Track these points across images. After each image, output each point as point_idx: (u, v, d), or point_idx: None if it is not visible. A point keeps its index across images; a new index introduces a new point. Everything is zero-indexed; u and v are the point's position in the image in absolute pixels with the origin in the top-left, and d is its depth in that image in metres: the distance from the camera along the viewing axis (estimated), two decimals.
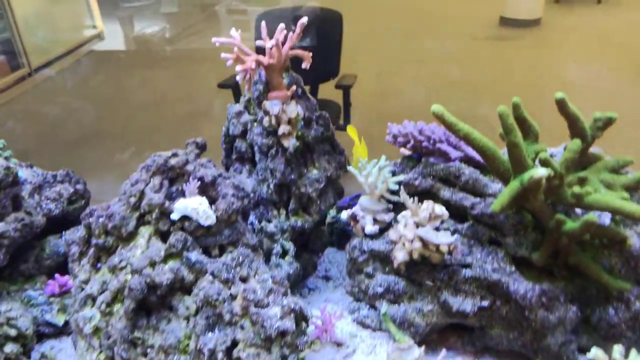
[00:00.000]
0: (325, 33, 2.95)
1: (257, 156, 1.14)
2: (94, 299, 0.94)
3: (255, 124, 1.15)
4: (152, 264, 0.90)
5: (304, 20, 1.06)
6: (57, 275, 1.10)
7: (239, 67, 1.03)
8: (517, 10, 5.88)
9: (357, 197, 1.36)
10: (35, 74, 4.93)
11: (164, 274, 0.88)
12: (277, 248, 1.11)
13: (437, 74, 4.63)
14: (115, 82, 4.96)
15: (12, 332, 0.93)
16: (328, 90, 2.88)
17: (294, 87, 1.12)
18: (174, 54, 5.68)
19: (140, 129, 3.94)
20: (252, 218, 1.15)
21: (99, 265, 0.98)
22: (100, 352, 0.92)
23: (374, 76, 4.48)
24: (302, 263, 1.15)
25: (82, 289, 0.97)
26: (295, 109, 1.10)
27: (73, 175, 1.26)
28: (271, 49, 1.03)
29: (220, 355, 0.83)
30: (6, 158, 1.13)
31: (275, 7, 3.05)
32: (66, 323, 1.07)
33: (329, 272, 1.23)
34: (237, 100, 2.95)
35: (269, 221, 1.13)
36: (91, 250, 0.97)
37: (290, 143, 1.10)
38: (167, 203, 0.95)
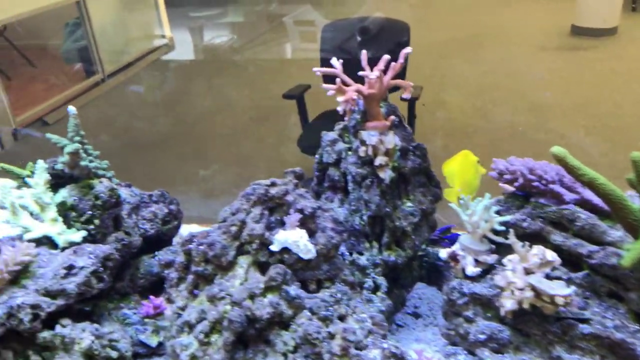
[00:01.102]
0: (393, 44, 2.92)
1: (351, 186, 1.12)
2: (190, 327, 0.94)
3: (349, 152, 1.13)
4: (252, 297, 0.89)
5: (409, 49, 1.03)
6: (151, 297, 1.12)
7: (341, 98, 1.02)
8: (591, 18, 5.49)
9: (447, 230, 1.31)
10: (108, 80, 5.23)
11: (264, 308, 0.87)
12: (368, 282, 1.08)
13: (502, 86, 4.47)
14: (180, 90, 5.14)
15: (114, 354, 0.94)
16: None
17: (392, 117, 1.09)
18: (240, 63, 5.83)
19: (202, 135, 4.06)
20: (342, 249, 1.12)
21: (196, 292, 0.98)
22: None
23: (438, 87, 4.39)
24: (391, 298, 1.12)
25: (179, 316, 0.97)
26: (392, 140, 1.08)
27: (167, 195, 1.28)
28: (374, 79, 1.01)
29: None
30: (109, 178, 1.17)
31: (342, 18, 3.05)
32: (159, 344, 1.08)
33: (419, 309, 1.18)
34: (300, 111, 2.99)
35: (361, 254, 1.10)
36: (190, 277, 0.98)
37: (387, 175, 1.07)
38: (267, 234, 0.94)
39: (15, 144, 4.17)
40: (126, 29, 5.85)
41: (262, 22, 6.93)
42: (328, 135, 1.17)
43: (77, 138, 1.11)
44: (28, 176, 1.22)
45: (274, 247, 0.93)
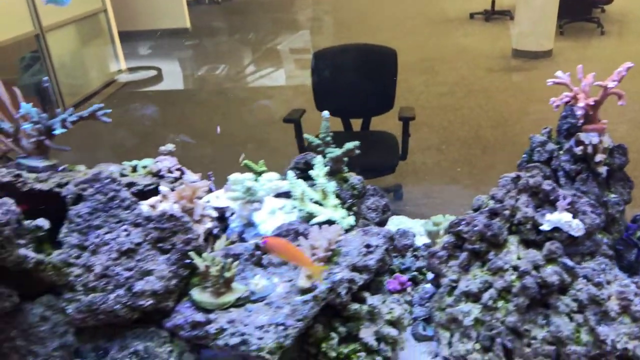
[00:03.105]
0: (381, 69, 3.10)
1: (563, 180, 1.30)
2: (468, 296, 1.10)
3: (561, 152, 1.32)
4: (536, 267, 1.06)
5: (630, 64, 1.23)
6: (397, 274, 1.27)
7: (580, 104, 1.21)
8: (529, 42, 6.02)
9: None
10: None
11: (551, 276, 1.04)
12: None
13: (462, 105, 4.79)
14: (149, 120, 5.07)
15: (405, 322, 1.09)
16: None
17: (606, 121, 1.28)
18: (209, 92, 5.75)
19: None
20: None
21: (467, 267, 1.14)
22: (477, 342, 1.08)
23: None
24: None
25: (453, 287, 1.13)
26: (608, 140, 1.27)
27: (379, 189, 1.44)
28: (607, 89, 1.20)
29: (620, 345, 0.98)
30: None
31: (332, 45, 3.21)
32: None
33: None
34: (298, 133, 3.09)
35: None
36: (463, 254, 1.14)
37: (604, 170, 1.26)
38: (536, 216, 1.11)
39: None
40: (85, 62, 5.78)
41: (246, 51, 7.01)
42: (537, 137, 1.35)
43: (328, 138, 1.27)
44: (264, 171, 1.37)
45: (545, 227, 1.10)
